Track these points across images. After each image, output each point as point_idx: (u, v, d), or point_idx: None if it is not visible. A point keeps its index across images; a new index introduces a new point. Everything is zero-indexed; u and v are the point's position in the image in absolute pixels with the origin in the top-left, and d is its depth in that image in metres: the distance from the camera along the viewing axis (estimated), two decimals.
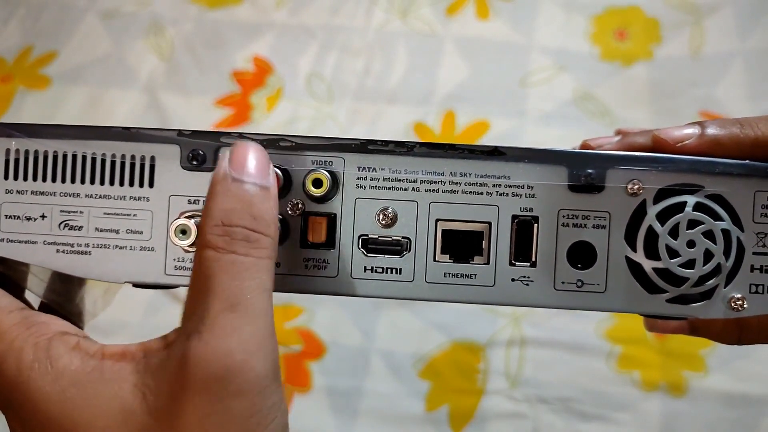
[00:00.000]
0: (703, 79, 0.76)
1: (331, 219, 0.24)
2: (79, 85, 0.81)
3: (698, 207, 0.23)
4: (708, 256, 0.23)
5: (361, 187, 0.24)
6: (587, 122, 0.74)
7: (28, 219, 0.25)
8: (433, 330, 0.62)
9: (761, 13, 0.80)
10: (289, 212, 0.24)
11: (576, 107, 0.76)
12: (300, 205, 0.24)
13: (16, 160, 0.25)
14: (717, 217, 0.23)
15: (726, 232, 0.23)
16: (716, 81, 0.76)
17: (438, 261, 0.24)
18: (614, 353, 0.59)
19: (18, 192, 0.25)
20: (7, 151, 0.25)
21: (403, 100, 0.78)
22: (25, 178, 0.25)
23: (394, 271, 0.24)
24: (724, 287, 0.24)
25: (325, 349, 0.61)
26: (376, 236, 0.24)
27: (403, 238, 0.24)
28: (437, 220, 0.24)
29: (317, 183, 0.24)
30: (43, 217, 0.25)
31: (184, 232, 0.24)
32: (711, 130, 0.24)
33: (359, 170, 0.24)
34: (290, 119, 0.77)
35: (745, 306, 0.23)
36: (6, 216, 0.25)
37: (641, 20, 0.82)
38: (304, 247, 0.24)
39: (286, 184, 0.24)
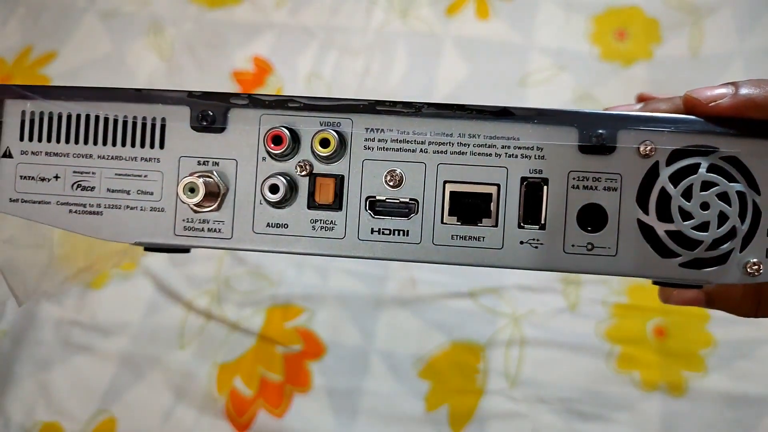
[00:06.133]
0: (703, 79, 0.76)
1: (339, 180, 0.24)
2: (79, 84, 0.81)
3: (712, 168, 0.23)
4: (722, 218, 0.22)
5: (368, 148, 0.24)
6: None
7: (42, 180, 0.25)
8: (432, 330, 0.62)
9: (761, 13, 0.80)
10: (297, 173, 0.24)
11: (576, 107, 0.76)
12: (308, 166, 0.24)
13: (32, 122, 0.25)
14: (732, 179, 0.23)
15: (741, 195, 0.23)
16: (716, 81, 0.75)
17: (445, 223, 0.24)
18: (614, 353, 0.59)
19: (33, 153, 0.25)
20: (23, 112, 0.25)
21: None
22: (40, 140, 0.25)
23: (401, 233, 0.24)
24: (740, 251, 0.23)
25: (325, 349, 0.61)
26: (384, 198, 0.24)
27: (410, 200, 0.24)
28: (445, 182, 0.24)
29: (324, 143, 0.24)
30: (56, 177, 0.25)
31: (192, 190, 0.24)
32: (745, 90, 0.23)
33: (367, 131, 0.24)
34: None
35: (761, 271, 0.23)
36: (21, 177, 0.25)
37: (641, 20, 0.82)
38: (312, 208, 0.24)
39: (294, 145, 0.24)
